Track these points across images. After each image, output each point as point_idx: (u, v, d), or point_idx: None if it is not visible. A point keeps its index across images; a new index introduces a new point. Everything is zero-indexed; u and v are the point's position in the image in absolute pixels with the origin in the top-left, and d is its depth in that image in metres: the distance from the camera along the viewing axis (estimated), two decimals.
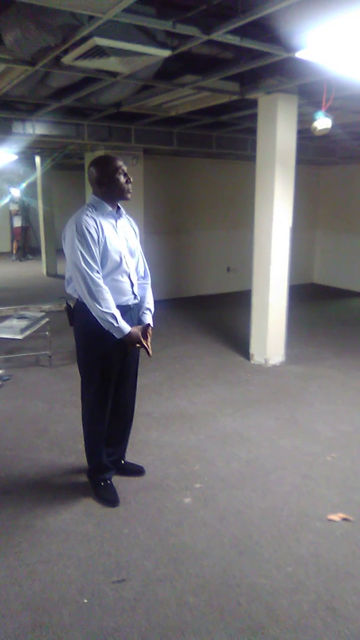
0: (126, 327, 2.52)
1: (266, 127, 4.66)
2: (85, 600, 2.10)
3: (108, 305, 2.46)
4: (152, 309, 2.80)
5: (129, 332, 2.53)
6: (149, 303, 2.79)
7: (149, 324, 2.72)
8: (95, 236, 2.46)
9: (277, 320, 4.99)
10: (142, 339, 2.62)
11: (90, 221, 2.47)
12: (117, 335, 2.52)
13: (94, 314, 2.47)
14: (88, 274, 2.43)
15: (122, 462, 3.03)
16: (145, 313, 2.76)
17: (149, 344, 2.67)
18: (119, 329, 2.49)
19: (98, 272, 2.47)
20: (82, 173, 8.18)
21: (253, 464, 3.20)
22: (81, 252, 2.43)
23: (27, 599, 2.11)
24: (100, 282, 2.46)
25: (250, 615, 2.03)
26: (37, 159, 10.24)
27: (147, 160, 7.54)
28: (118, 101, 4.82)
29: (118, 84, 4.14)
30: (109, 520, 2.62)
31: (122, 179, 2.55)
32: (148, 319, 2.75)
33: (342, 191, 9.21)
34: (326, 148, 7.82)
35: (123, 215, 2.68)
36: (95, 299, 2.44)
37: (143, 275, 2.80)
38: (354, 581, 2.21)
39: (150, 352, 2.67)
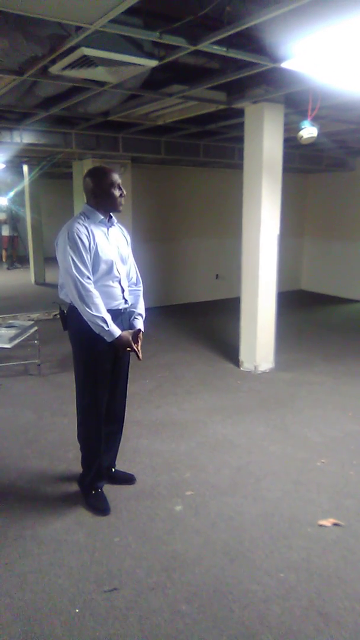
0: (116, 331, 2.55)
1: (253, 135, 4.71)
2: (77, 610, 2.08)
3: (98, 309, 2.50)
4: (144, 315, 2.84)
5: (119, 336, 2.56)
6: (140, 309, 2.83)
7: (139, 329, 2.75)
8: (87, 243, 2.51)
9: (266, 327, 5.02)
10: (133, 343, 2.64)
11: (82, 229, 2.52)
12: (108, 339, 2.55)
13: (85, 318, 2.51)
14: (79, 279, 2.47)
15: (113, 470, 3.03)
16: (136, 318, 2.80)
17: (139, 348, 2.70)
18: (109, 332, 2.52)
19: (89, 278, 2.51)
20: (70, 181, 8.18)
21: (244, 471, 3.20)
22: (72, 259, 2.48)
23: (18, 609, 2.09)
24: (91, 287, 2.50)
25: (243, 622, 2.02)
26: (25, 168, 10.22)
27: (135, 169, 7.57)
28: (106, 110, 4.84)
29: (106, 93, 4.17)
30: (100, 529, 2.60)
31: (117, 192, 2.61)
32: (139, 324, 2.78)
33: (329, 199, 9.31)
34: (312, 156, 7.91)
35: (115, 224, 2.73)
36: (85, 303, 2.48)
37: (135, 282, 2.84)
38: (346, 586, 2.22)
39: (141, 356, 2.70)
